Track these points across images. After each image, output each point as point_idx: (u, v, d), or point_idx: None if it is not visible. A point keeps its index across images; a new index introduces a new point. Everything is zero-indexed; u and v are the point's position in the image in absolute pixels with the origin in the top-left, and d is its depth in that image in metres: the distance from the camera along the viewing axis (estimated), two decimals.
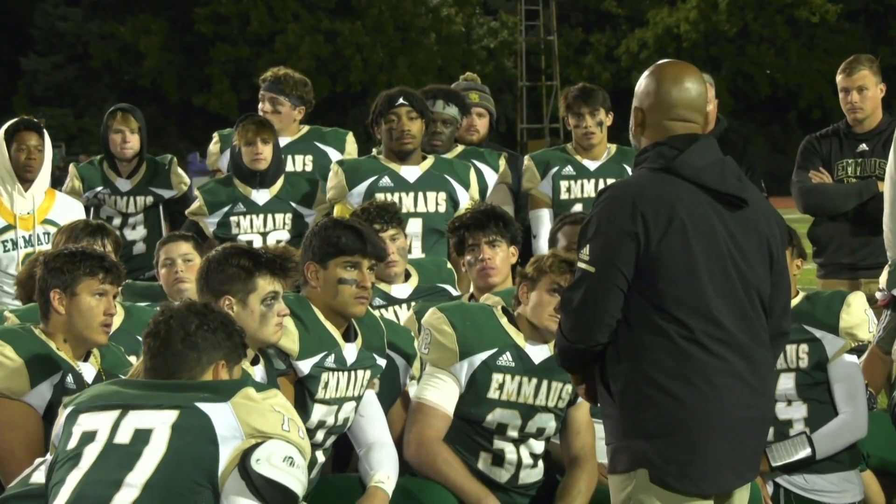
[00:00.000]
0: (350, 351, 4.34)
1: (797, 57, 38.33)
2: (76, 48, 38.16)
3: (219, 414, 3.32)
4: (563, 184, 6.10)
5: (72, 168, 6.68)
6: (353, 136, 6.55)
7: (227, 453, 3.29)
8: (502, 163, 6.14)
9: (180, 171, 6.72)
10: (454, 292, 5.29)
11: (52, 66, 37.97)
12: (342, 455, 4.64)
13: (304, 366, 4.25)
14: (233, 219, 5.93)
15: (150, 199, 6.59)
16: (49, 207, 6.10)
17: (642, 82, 3.56)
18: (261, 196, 5.96)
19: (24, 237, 6.03)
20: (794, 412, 4.74)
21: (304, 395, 4.24)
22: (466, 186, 5.83)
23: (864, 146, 6.30)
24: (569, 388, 4.41)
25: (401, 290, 5.21)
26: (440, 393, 4.39)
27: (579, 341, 3.43)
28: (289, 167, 6.24)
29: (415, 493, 4.32)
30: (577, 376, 3.60)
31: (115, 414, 3.36)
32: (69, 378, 4.06)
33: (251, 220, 5.94)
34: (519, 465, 4.47)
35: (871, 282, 5.79)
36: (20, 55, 37.44)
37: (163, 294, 5.22)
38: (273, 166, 5.95)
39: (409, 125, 5.73)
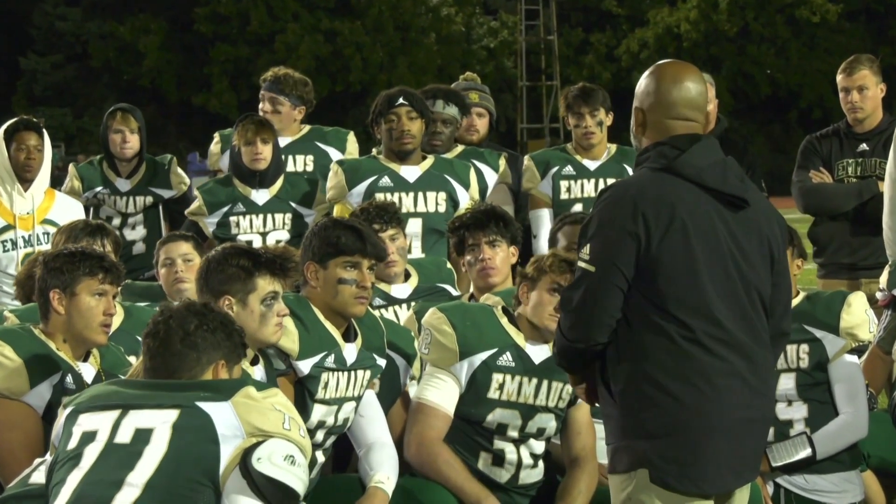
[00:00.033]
0: (350, 351, 4.33)
1: (798, 57, 38.33)
2: (75, 48, 38.16)
3: (220, 413, 3.32)
4: (563, 184, 6.10)
5: (71, 168, 6.67)
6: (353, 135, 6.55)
7: (228, 452, 3.29)
8: (502, 163, 6.13)
9: (180, 171, 6.72)
10: (454, 292, 5.29)
11: (51, 65, 37.97)
12: (342, 455, 4.64)
13: (304, 366, 4.25)
14: (232, 219, 5.93)
15: (149, 199, 6.58)
16: (48, 207, 6.09)
17: (642, 82, 3.56)
18: (260, 196, 5.96)
19: (23, 237, 6.03)
20: (795, 412, 4.74)
21: (303, 395, 4.24)
22: (466, 186, 5.83)
23: (864, 146, 6.30)
24: (569, 388, 4.40)
25: (401, 290, 5.21)
26: (440, 393, 4.38)
27: (578, 340, 3.43)
28: (290, 167, 6.24)
29: (415, 493, 4.32)
30: (575, 376, 3.60)
31: (115, 414, 3.36)
32: (69, 378, 4.06)
33: (251, 220, 5.94)
34: (519, 465, 4.46)
35: (872, 282, 5.79)
36: (19, 55, 37.44)
37: (162, 294, 5.22)
38: (273, 166, 5.95)
39: (409, 125, 5.73)
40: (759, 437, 3.53)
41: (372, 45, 37.45)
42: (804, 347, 4.72)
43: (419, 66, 37.45)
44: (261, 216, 5.94)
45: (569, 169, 6.12)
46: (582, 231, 3.47)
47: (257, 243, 5.73)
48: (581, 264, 3.43)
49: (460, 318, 4.45)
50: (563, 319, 3.47)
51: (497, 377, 4.40)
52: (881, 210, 5.68)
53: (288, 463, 3.31)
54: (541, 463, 4.53)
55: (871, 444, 4.83)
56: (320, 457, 4.36)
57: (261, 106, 6.36)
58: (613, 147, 6.17)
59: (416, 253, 5.65)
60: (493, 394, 4.40)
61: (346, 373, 4.32)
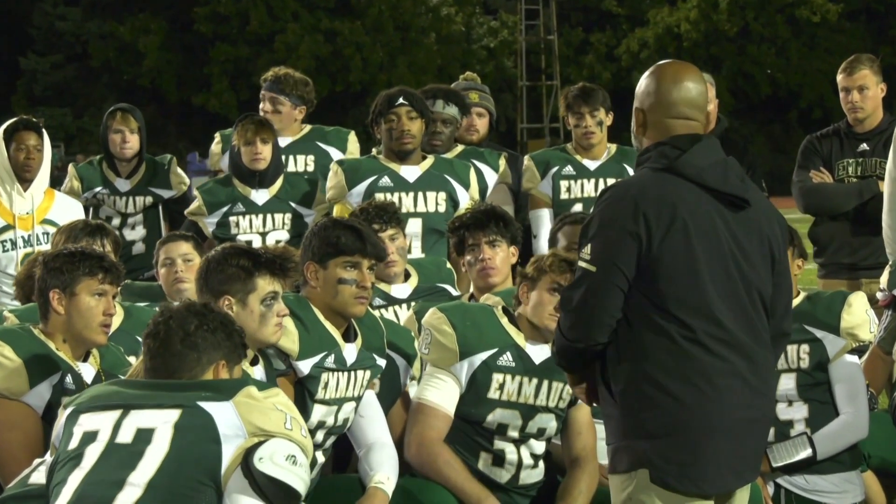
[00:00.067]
0: (350, 351, 4.33)
1: (798, 56, 38.33)
2: (75, 48, 38.15)
3: (221, 413, 3.32)
4: (563, 184, 6.10)
5: (71, 168, 6.67)
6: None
7: (229, 452, 3.29)
8: (502, 163, 6.13)
9: (179, 171, 6.72)
10: (454, 292, 5.29)
11: (51, 65, 37.96)
12: (342, 455, 4.64)
13: (304, 366, 4.24)
14: (232, 219, 5.92)
15: (149, 199, 6.58)
16: (48, 207, 6.09)
17: (642, 83, 3.57)
18: (260, 196, 5.95)
19: (22, 237, 6.02)
20: (795, 412, 4.74)
21: (303, 395, 4.24)
22: (466, 186, 5.83)
23: (864, 146, 6.30)
24: (570, 388, 4.40)
25: (401, 290, 5.21)
26: (441, 393, 4.38)
27: (578, 340, 3.43)
28: (290, 167, 6.23)
29: (414, 493, 4.32)
30: (573, 375, 3.60)
31: (116, 414, 3.35)
32: (68, 378, 4.05)
33: (250, 220, 5.93)
34: (519, 465, 4.46)
35: (872, 282, 5.79)
36: (19, 55, 37.43)
37: (162, 294, 5.21)
38: (272, 166, 5.94)
39: (409, 125, 5.72)
40: (759, 437, 3.53)
41: (372, 44, 37.45)
42: (805, 347, 4.72)
43: (419, 66, 37.45)
44: (260, 216, 5.94)
45: (569, 169, 6.11)
46: (583, 231, 3.47)
47: (257, 243, 5.72)
48: (582, 264, 3.42)
49: (460, 318, 4.44)
50: (564, 319, 3.47)
51: (497, 377, 4.39)
52: (881, 210, 5.68)
53: (290, 463, 3.31)
54: (541, 463, 4.52)
55: (872, 444, 4.83)
56: (320, 457, 4.35)
57: (261, 106, 6.35)
58: (613, 147, 6.17)
59: (416, 253, 5.65)
60: (493, 394, 4.40)
61: (345, 373, 4.32)
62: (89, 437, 3.33)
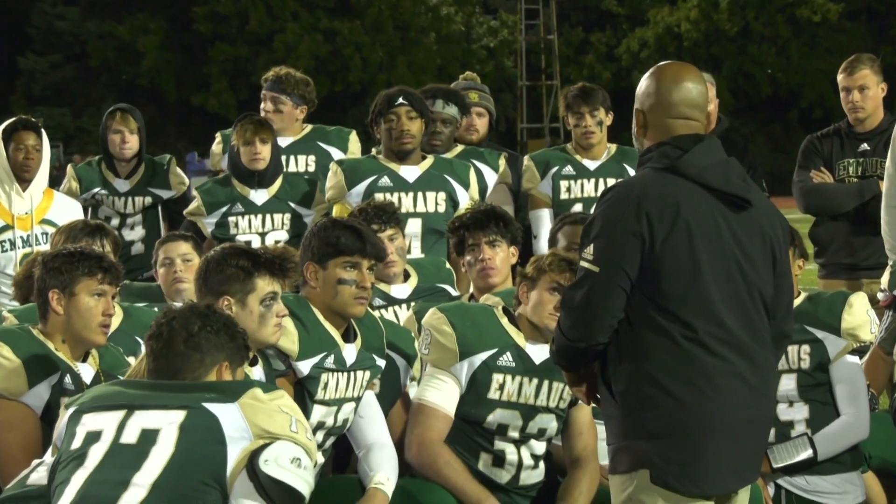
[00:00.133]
0: (349, 351, 4.33)
1: (798, 56, 38.34)
2: (74, 47, 38.14)
3: (227, 414, 3.32)
4: (563, 184, 6.09)
5: (69, 169, 6.67)
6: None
7: (235, 454, 3.29)
8: (502, 163, 6.13)
9: (179, 171, 6.71)
10: (453, 292, 5.28)
11: (49, 65, 37.95)
12: (342, 456, 4.63)
13: (304, 366, 4.24)
14: (231, 219, 5.91)
15: (148, 199, 6.57)
16: (47, 207, 6.08)
17: (643, 84, 3.57)
18: (259, 196, 5.95)
19: (21, 237, 6.01)
20: (796, 413, 4.73)
21: (303, 395, 4.23)
22: (466, 186, 5.82)
23: (865, 146, 6.29)
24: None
25: (400, 290, 5.20)
26: (441, 394, 4.37)
27: (579, 340, 3.42)
28: (291, 167, 6.23)
29: (414, 494, 4.31)
30: (571, 375, 3.59)
31: (120, 414, 3.35)
32: (67, 378, 4.05)
33: (249, 221, 5.93)
34: (520, 466, 4.45)
35: (873, 282, 5.78)
36: (18, 54, 37.41)
37: (160, 295, 5.21)
38: (271, 166, 5.93)
39: (409, 125, 5.72)
40: (760, 437, 3.53)
41: (371, 44, 37.45)
42: (805, 348, 4.72)
43: (419, 66, 37.45)
44: (259, 216, 5.93)
45: (569, 169, 6.11)
46: (585, 231, 3.47)
47: (256, 244, 5.72)
48: (584, 264, 3.42)
49: (460, 318, 4.44)
50: (565, 319, 3.46)
51: (497, 377, 4.39)
52: None
53: (294, 465, 3.31)
54: (541, 464, 4.52)
55: (873, 445, 4.82)
56: (320, 458, 4.34)
57: (262, 106, 6.34)
58: (613, 147, 6.17)
59: (416, 253, 5.65)
60: (493, 394, 4.39)
61: (345, 373, 4.32)
62: (93, 437, 3.33)
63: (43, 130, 6.17)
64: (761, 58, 38.28)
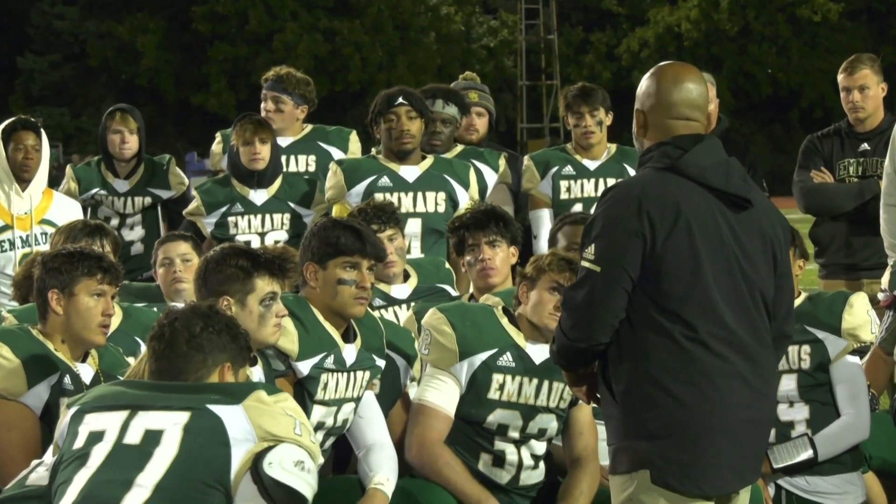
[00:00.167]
0: (349, 352, 4.32)
1: (799, 56, 38.33)
2: (73, 47, 38.12)
3: (231, 416, 3.32)
4: (563, 184, 6.09)
5: (68, 170, 6.66)
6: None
7: (239, 456, 3.29)
8: (502, 163, 6.12)
9: (178, 171, 6.71)
10: (453, 292, 5.28)
11: (49, 65, 37.94)
12: (342, 456, 4.63)
13: (304, 367, 4.24)
14: (230, 219, 5.91)
15: (147, 199, 6.57)
16: (46, 207, 6.08)
17: (643, 84, 3.57)
18: (259, 196, 5.94)
19: (21, 237, 6.01)
20: (796, 414, 4.73)
21: (303, 396, 4.23)
22: (466, 186, 5.82)
23: (865, 146, 6.28)
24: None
25: (400, 290, 5.20)
26: (441, 394, 4.37)
27: (580, 340, 3.42)
28: (292, 167, 6.22)
29: (414, 494, 4.31)
30: (572, 375, 3.59)
31: (123, 414, 3.34)
32: (67, 379, 4.04)
33: (249, 221, 5.92)
34: (520, 466, 4.45)
35: (874, 282, 5.77)
36: (17, 54, 37.39)
37: (160, 295, 5.20)
38: (271, 166, 5.93)
39: (409, 125, 5.71)
40: (760, 437, 3.52)
41: (371, 44, 37.44)
42: (806, 348, 4.71)
43: (418, 66, 37.44)
44: (259, 216, 5.93)
45: (569, 169, 6.11)
46: (586, 231, 3.46)
47: (256, 244, 5.71)
48: (585, 264, 3.42)
49: (460, 318, 4.43)
50: (566, 318, 3.46)
51: (497, 378, 4.38)
52: None
53: (298, 468, 3.31)
54: (541, 464, 4.51)
55: (873, 445, 4.81)
56: (320, 459, 4.34)
57: (263, 105, 6.34)
58: (613, 147, 6.16)
59: (416, 253, 5.64)
60: (493, 394, 4.39)
61: (345, 374, 4.31)
62: (95, 436, 3.32)
63: (42, 130, 6.17)
64: (762, 57, 38.27)
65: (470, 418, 4.39)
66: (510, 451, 4.43)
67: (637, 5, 40.08)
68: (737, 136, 13.32)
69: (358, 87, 36.67)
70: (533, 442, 4.45)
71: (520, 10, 38.56)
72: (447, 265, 5.44)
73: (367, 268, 4.30)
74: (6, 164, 6.01)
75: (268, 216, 5.94)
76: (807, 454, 4.66)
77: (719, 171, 3.44)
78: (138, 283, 5.80)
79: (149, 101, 35.23)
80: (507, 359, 4.40)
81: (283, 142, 6.20)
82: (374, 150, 5.95)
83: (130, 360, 4.32)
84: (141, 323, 4.64)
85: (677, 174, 3.42)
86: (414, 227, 5.68)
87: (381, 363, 4.43)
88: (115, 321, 4.48)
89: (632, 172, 5.81)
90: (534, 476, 4.49)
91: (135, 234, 6.54)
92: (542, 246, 5.81)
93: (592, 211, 3.70)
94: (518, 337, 4.43)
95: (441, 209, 5.74)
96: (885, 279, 5.39)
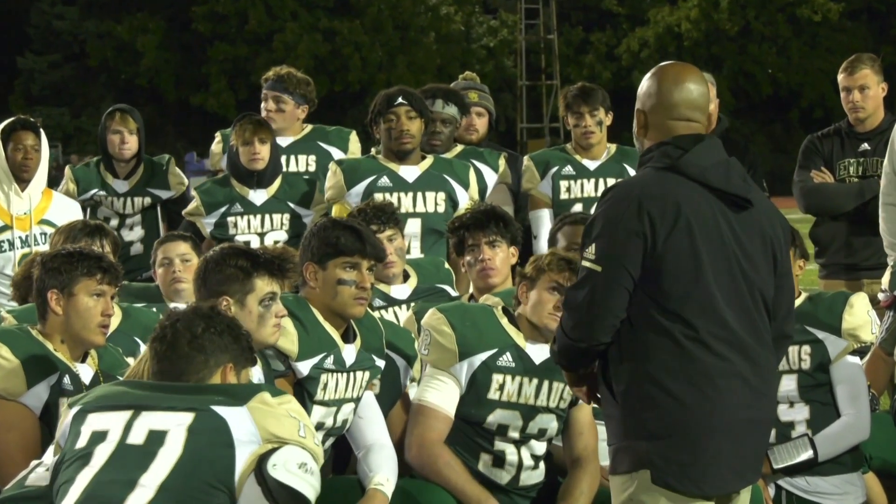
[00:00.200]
0: (349, 352, 4.32)
1: (799, 56, 38.32)
2: (73, 47, 38.12)
3: (236, 418, 3.32)
4: (563, 184, 6.09)
5: (67, 171, 6.66)
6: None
7: (243, 457, 3.29)
8: (502, 163, 6.12)
9: (178, 171, 6.71)
10: (453, 293, 5.28)
11: (48, 65, 37.93)
12: (342, 456, 4.62)
13: (303, 367, 4.23)
14: (230, 219, 5.91)
15: (147, 199, 6.57)
16: (46, 208, 6.08)
17: (644, 84, 3.57)
18: (258, 196, 5.94)
19: (20, 237, 6.01)
20: (796, 414, 4.72)
21: (302, 396, 4.22)
22: (466, 186, 5.81)
23: (865, 146, 6.28)
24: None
25: (400, 290, 5.19)
26: (441, 395, 4.37)
27: (581, 340, 3.42)
28: (292, 167, 6.22)
29: (414, 494, 4.31)
30: (572, 375, 3.59)
31: (126, 414, 3.34)
32: (66, 379, 4.04)
33: (248, 221, 5.92)
34: (520, 466, 4.44)
35: (874, 282, 5.77)
36: (16, 54, 37.39)
37: (159, 295, 5.20)
38: (270, 166, 5.92)
39: (408, 125, 5.71)
40: (760, 437, 3.52)
41: (371, 44, 37.43)
42: (806, 349, 4.71)
43: (418, 66, 37.43)
44: (258, 216, 5.92)
45: (568, 169, 6.10)
46: (586, 231, 3.46)
47: (255, 244, 5.71)
48: (586, 264, 3.41)
49: (460, 318, 4.43)
50: (567, 318, 3.45)
51: (497, 378, 4.38)
52: None
53: (302, 470, 3.32)
54: (541, 464, 4.51)
55: (873, 445, 4.81)
56: None
57: (264, 105, 6.33)
58: (613, 147, 6.16)
59: (416, 253, 5.64)
60: (493, 394, 4.38)
61: (345, 374, 4.31)
62: (98, 436, 3.32)
63: (41, 130, 6.17)
64: (762, 57, 38.26)
65: (470, 418, 4.39)
66: (510, 452, 4.43)
67: (637, 5, 40.07)
68: (737, 136, 13.32)
69: (358, 87, 36.67)
70: (533, 442, 4.45)
71: (520, 9, 38.56)
72: (447, 265, 5.44)
73: (367, 268, 4.30)
74: (5, 165, 6.01)
75: (267, 216, 5.94)
76: (807, 454, 4.65)
77: (719, 171, 3.44)
78: (138, 283, 5.80)
79: (148, 101, 35.23)
80: (506, 359, 4.39)
81: (283, 142, 6.20)
82: (373, 150, 5.95)
83: (130, 360, 4.32)
84: (140, 323, 4.64)
85: (678, 174, 3.42)
86: (414, 227, 5.68)
87: (380, 363, 4.43)
88: (115, 321, 4.47)
89: (632, 172, 5.81)
90: (534, 476, 4.49)
91: (134, 234, 6.54)
92: (542, 246, 5.80)
93: (592, 211, 3.70)
94: (518, 337, 4.42)
95: (441, 209, 5.74)
96: (886, 279, 5.39)
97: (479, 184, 5.88)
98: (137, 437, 3.30)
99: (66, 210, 6.07)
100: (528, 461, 4.45)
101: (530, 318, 4.40)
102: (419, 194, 5.74)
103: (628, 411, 3.40)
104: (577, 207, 5.91)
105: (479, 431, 4.40)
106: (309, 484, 3.32)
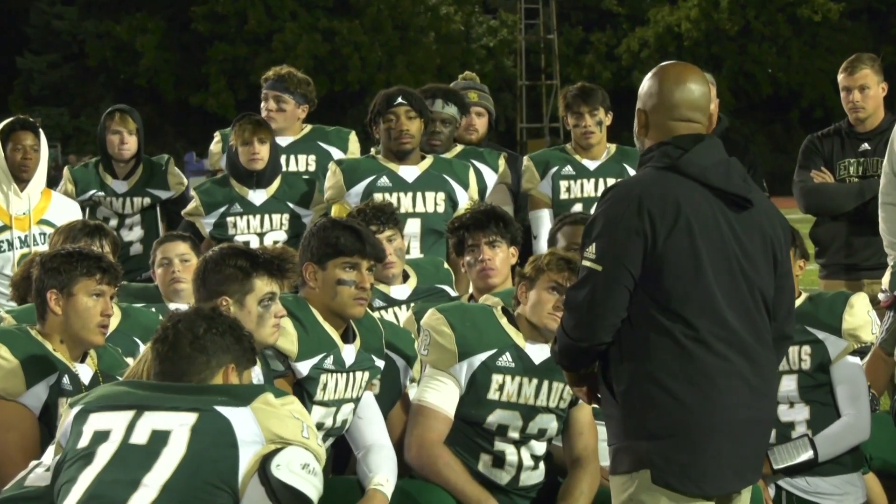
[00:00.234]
0: (349, 352, 4.32)
1: (799, 56, 38.32)
2: (72, 47, 38.11)
3: (239, 418, 3.32)
4: (563, 184, 6.08)
5: (66, 171, 6.66)
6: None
7: (247, 458, 3.29)
8: (502, 163, 6.12)
9: (177, 171, 6.70)
10: (452, 293, 5.28)
11: (47, 65, 37.92)
12: (341, 456, 4.62)
13: (303, 367, 4.23)
14: (229, 219, 5.90)
15: (146, 200, 6.56)
16: (45, 208, 6.07)
17: (645, 84, 3.57)
18: (257, 196, 5.94)
19: (19, 238, 6.00)
20: (797, 414, 4.72)
21: (302, 396, 4.22)
22: (465, 186, 5.81)
23: (865, 145, 6.28)
24: (570, 388, 4.38)
25: (400, 291, 5.19)
26: (440, 395, 4.36)
27: (582, 340, 3.42)
28: (291, 167, 6.22)
29: (413, 495, 4.31)
30: (572, 375, 3.59)
31: (129, 414, 3.34)
32: (65, 379, 4.04)
33: (248, 221, 5.92)
34: (520, 466, 4.44)
35: (874, 282, 5.77)
36: (16, 54, 37.39)
37: (159, 295, 5.19)
38: (270, 166, 5.92)
39: (408, 125, 5.70)
40: (761, 438, 3.52)
41: (370, 44, 37.43)
42: (806, 349, 4.70)
43: (418, 66, 37.43)
44: (258, 217, 5.92)
45: (568, 169, 6.10)
46: (586, 231, 3.46)
47: (254, 244, 5.71)
48: (587, 263, 3.41)
49: (459, 318, 4.42)
50: (567, 318, 3.45)
51: (497, 378, 4.37)
52: None
53: (305, 471, 3.32)
54: (541, 464, 4.50)
55: (874, 446, 4.81)
56: None
57: (264, 105, 6.33)
58: (613, 147, 6.16)
59: (415, 253, 5.64)
60: (493, 395, 4.38)
61: (344, 374, 4.31)
62: (101, 436, 3.32)
63: (41, 130, 6.16)
64: (762, 57, 38.26)
65: (470, 419, 4.39)
66: (510, 452, 4.42)
67: (637, 5, 40.06)
68: (737, 136, 13.29)
69: (357, 87, 36.66)
70: (533, 442, 4.45)
71: (519, 9, 38.55)
72: (446, 265, 5.44)
73: (367, 268, 4.29)
74: (4, 165, 6.00)
75: (267, 216, 5.94)
76: (807, 455, 4.65)
77: (720, 171, 3.44)
78: (137, 283, 5.80)
79: (148, 101, 35.22)
80: (506, 359, 4.39)
81: (283, 142, 6.20)
82: (373, 150, 5.94)
83: (129, 360, 4.32)
84: (140, 323, 4.64)
85: (678, 173, 3.42)
86: (413, 227, 5.68)
87: (380, 364, 4.43)
88: (114, 321, 4.47)
89: (632, 172, 5.81)
90: (534, 476, 4.49)
91: (133, 234, 6.54)
92: (542, 246, 5.80)
93: (592, 211, 3.70)
94: (517, 337, 4.42)
95: (440, 209, 5.74)
96: (886, 279, 5.39)
97: (478, 184, 5.88)
98: (140, 436, 3.30)
99: (66, 210, 6.06)
100: (527, 461, 4.45)
101: (530, 318, 4.40)
102: (419, 194, 5.74)
103: (628, 411, 3.40)
104: (577, 207, 5.91)
105: (479, 432, 4.40)
106: (312, 485, 3.33)
